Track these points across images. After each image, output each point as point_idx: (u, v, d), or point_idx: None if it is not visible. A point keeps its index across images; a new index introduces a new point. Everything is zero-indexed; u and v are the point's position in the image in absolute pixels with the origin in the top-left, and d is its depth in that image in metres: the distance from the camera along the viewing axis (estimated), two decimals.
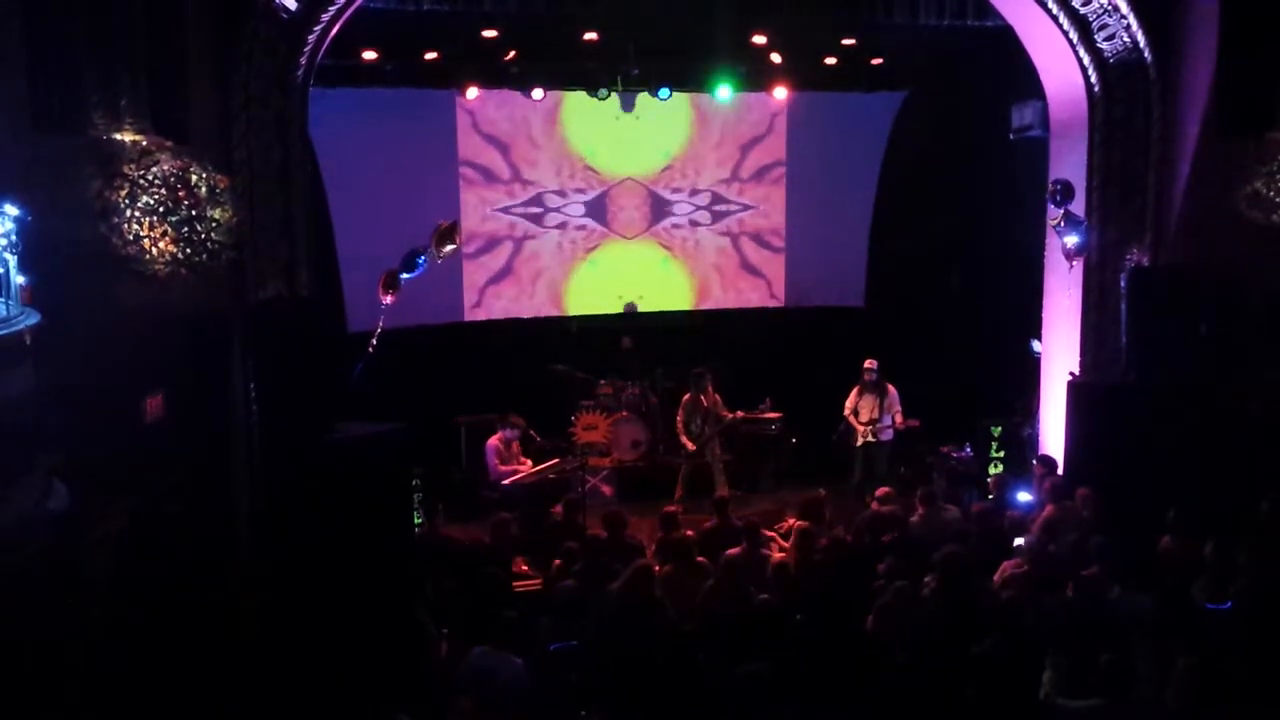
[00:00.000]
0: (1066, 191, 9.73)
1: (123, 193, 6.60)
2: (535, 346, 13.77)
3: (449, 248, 9.81)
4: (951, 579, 7.11)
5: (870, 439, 11.79)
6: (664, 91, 13.12)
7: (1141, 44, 9.58)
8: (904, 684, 5.96)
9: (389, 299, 9.32)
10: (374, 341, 8.73)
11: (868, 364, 11.86)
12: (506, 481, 10.96)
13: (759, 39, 12.22)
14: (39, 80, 6.34)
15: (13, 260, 5.16)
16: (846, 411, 11.99)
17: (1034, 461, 10.37)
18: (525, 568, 8.99)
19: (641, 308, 14.43)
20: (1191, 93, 9.54)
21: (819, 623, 6.89)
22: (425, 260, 9.69)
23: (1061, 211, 9.71)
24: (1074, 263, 9.87)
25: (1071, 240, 9.71)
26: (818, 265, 14.72)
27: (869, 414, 11.81)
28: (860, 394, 11.90)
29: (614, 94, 13.08)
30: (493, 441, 11.24)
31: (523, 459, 11.43)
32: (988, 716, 5.92)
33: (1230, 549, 7.22)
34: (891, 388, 11.86)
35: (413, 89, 12.48)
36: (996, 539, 8.40)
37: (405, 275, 9.61)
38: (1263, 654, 6.14)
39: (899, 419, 11.76)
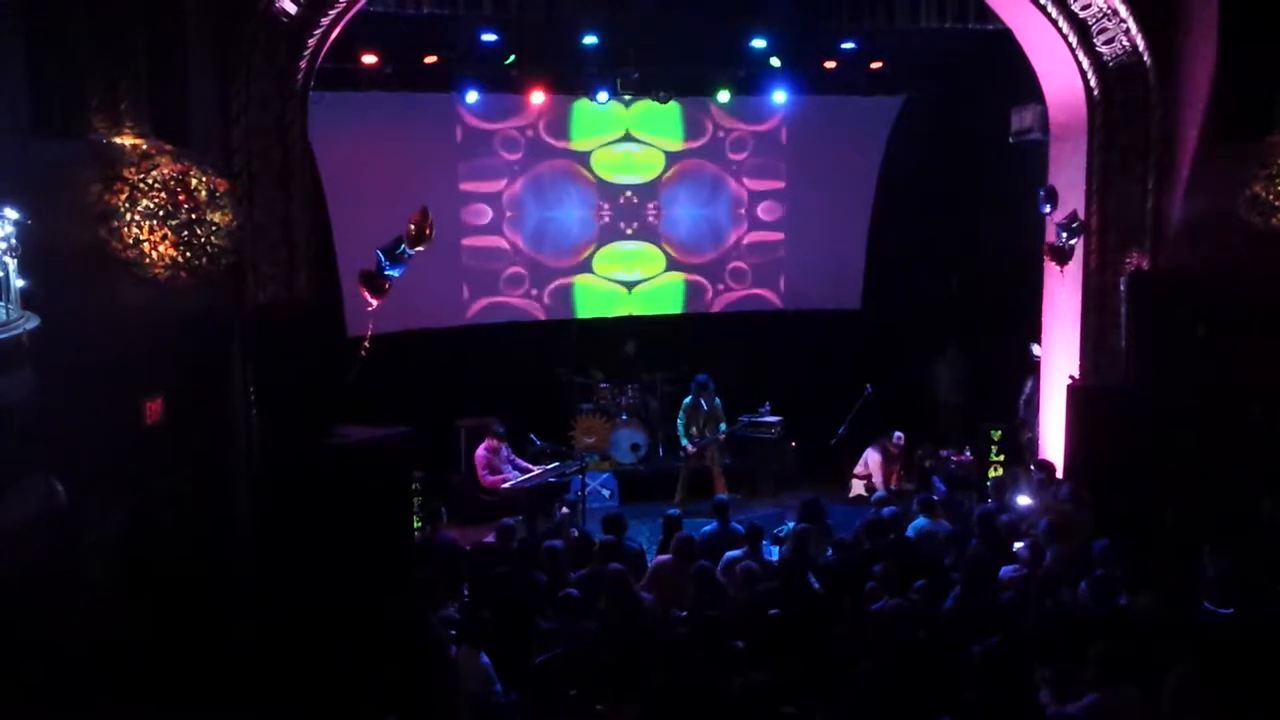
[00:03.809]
0: (1050, 196, 9.86)
1: (123, 196, 6.60)
2: (535, 349, 13.77)
3: (424, 241, 9.29)
4: (972, 582, 7.13)
5: (863, 493, 11.92)
6: (663, 94, 13.17)
7: (1140, 47, 9.58)
8: (897, 686, 5.96)
9: (376, 301, 9.12)
10: (366, 344, 8.70)
11: (896, 436, 12.07)
12: (505, 485, 10.97)
13: (759, 43, 12.24)
14: (39, 84, 6.34)
15: (13, 263, 5.16)
16: (860, 470, 12.10)
17: (1032, 466, 10.38)
18: None
19: (642, 311, 14.45)
20: (1191, 96, 9.54)
21: (813, 625, 6.91)
22: (408, 253, 9.24)
23: (1071, 213, 9.77)
24: (1062, 267, 9.95)
25: (1071, 244, 9.80)
26: (817, 268, 14.73)
27: (884, 483, 11.94)
28: (885, 463, 12.06)
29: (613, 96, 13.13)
30: (480, 452, 11.27)
31: (514, 460, 11.43)
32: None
33: (1229, 553, 7.24)
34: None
35: (412, 92, 12.50)
36: (996, 542, 8.40)
37: (391, 272, 9.21)
38: (1263, 657, 6.13)
39: (895, 480, 12.07)
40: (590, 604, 7.22)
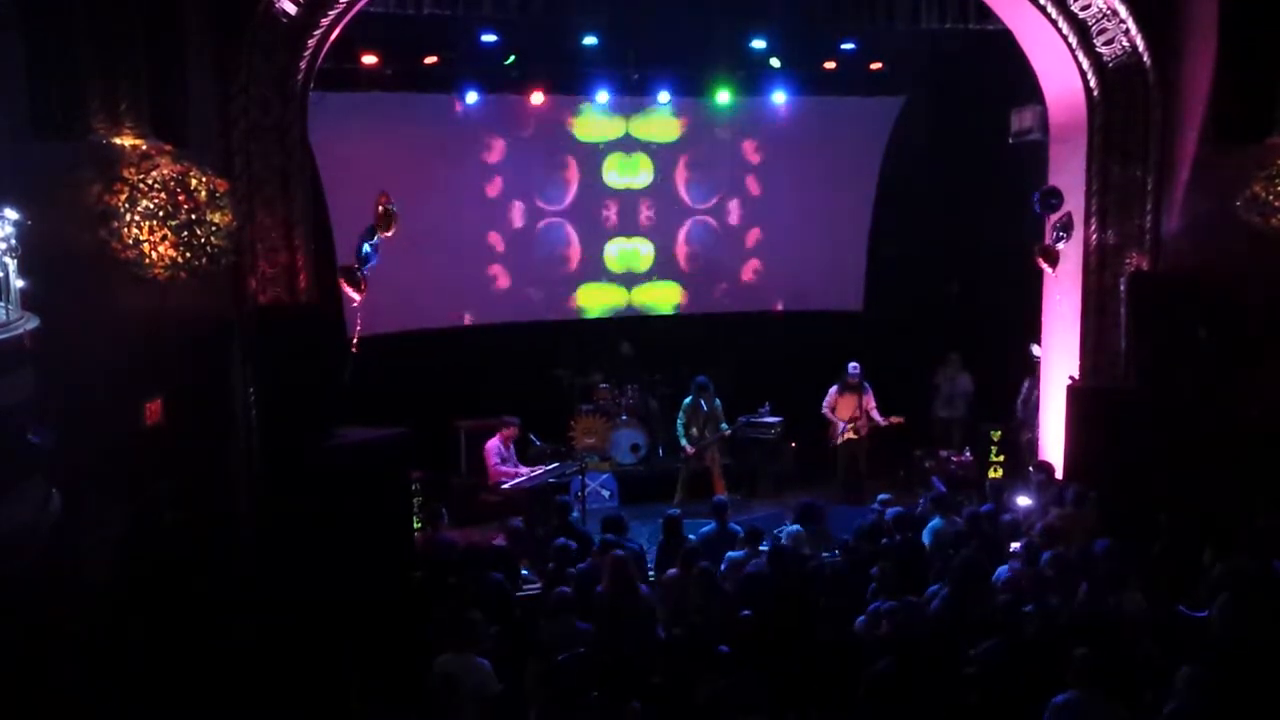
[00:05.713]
0: (1048, 198, 9.87)
1: (122, 197, 6.61)
2: (535, 350, 13.77)
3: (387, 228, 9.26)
4: (962, 585, 7.13)
5: (852, 435, 12.14)
6: (663, 95, 13.19)
7: (1140, 48, 9.60)
8: (898, 689, 5.96)
9: (358, 296, 9.08)
10: (355, 342, 8.70)
11: (852, 367, 12.21)
12: (506, 485, 10.97)
13: (759, 43, 12.24)
14: (39, 85, 6.36)
15: (12, 264, 5.17)
16: (825, 409, 12.31)
17: (1031, 467, 10.37)
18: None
19: (642, 311, 14.45)
20: (1190, 97, 9.55)
21: (814, 627, 6.91)
22: (377, 243, 9.20)
23: (1065, 215, 9.78)
24: (1053, 269, 9.96)
25: (1060, 246, 9.85)
26: (817, 269, 14.72)
27: (849, 412, 12.17)
28: (840, 393, 12.26)
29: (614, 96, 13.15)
30: (493, 442, 11.25)
31: (518, 462, 11.44)
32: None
33: (1226, 554, 7.23)
34: (868, 385, 12.24)
35: (412, 93, 12.50)
36: (995, 543, 8.39)
37: (366, 268, 9.17)
38: (1252, 661, 6.13)
39: (876, 416, 12.12)
40: (586, 601, 7.22)
